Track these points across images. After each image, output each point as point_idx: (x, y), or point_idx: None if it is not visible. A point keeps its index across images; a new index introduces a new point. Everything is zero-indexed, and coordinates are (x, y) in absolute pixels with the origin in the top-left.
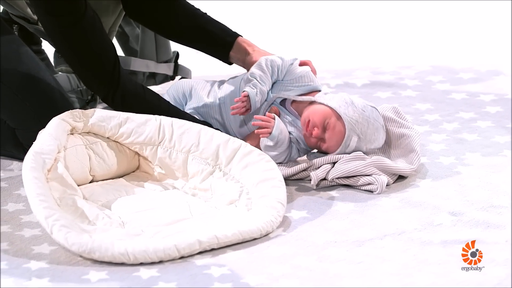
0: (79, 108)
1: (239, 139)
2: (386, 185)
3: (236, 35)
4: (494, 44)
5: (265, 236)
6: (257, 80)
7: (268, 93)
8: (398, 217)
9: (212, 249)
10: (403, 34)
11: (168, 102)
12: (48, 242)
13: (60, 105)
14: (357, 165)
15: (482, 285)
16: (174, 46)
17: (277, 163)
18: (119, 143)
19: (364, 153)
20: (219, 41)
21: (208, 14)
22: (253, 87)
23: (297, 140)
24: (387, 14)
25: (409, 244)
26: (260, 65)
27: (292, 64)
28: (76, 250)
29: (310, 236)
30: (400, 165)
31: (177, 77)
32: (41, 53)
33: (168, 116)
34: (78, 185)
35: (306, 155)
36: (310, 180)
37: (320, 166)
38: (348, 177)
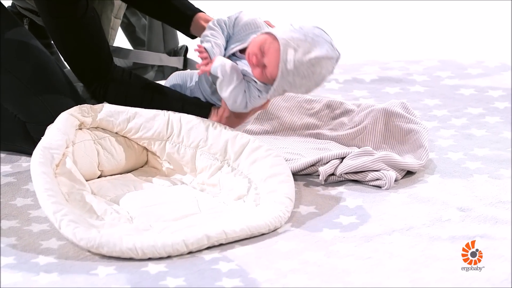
0: (90, 102)
1: (247, 135)
2: (395, 181)
3: (196, 11)
4: (503, 40)
5: (273, 231)
6: (208, 36)
7: (225, 49)
8: (406, 212)
9: (221, 244)
10: (411, 30)
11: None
12: (57, 237)
13: (70, 98)
14: (365, 161)
15: (490, 281)
16: (183, 39)
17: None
18: (127, 138)
19: (316, 82)
20: (179, 16)
21: None
22: (207, 41)
23: (253, 80)
24: (396, 9)
25: (417, 240)
26: (209, 26)
27: (237, 16)
28: (84, 245)
29: (318, 231)
30: (408, 160)
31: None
32: (50, 47)
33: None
34: (87, 180)
35: (316, 150)
36: (319, 175)
37: (329, 162)
38: (356, 173)
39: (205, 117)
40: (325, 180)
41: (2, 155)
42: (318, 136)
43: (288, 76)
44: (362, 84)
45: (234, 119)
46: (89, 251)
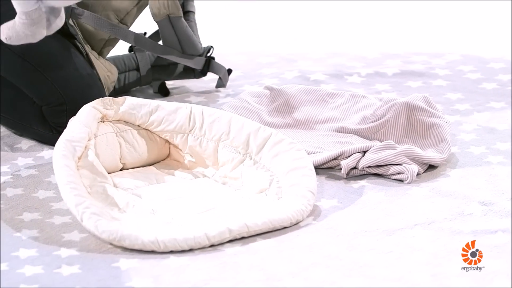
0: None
1: (269, 128)
2: (417, 175)
3: None
4: None
5: (295, 225)
6: None
7: None
8: (428, 206)
9: (242, 238)
10: (433, 23)
11: None
12: (79, 230)
13: (84, 84)
14: (387, 155)
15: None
16: (208, 41)
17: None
18: (149, 131)
19: None
20: None
21: None
22: None
23: None
24: (418, 3)
25: (439, 234)
26: None
27: None
28: (106, 237)
29: (340, 225)
30: (430, 154)
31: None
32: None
33: None
34: (108, 173)
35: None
36: (340, 169)
37: (351, 155)
38: (378, 166)
39: None
40: (347, 174)
41: (24, 147)
42: (340, 130)
43: None
44: (384, 78)
45: None
46: (111, 244)
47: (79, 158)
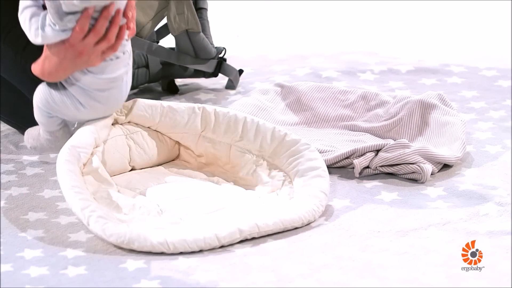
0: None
1: (284, 128)
2: (431, 174)
3: None
4: None
5: (306, 225)
6: None
7: None
8: (443, 206)
9: (253, 238)
10: (448, 19)
11: None
12: (85, 230)
13: None
14: (401, 153)
15: None
16: (218, 37)
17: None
18: (160, 132)
19: None
20: None
21: None
22: None
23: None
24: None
25: (454, 235)
26: None
27: None
28: (114, 241)
29: (352, 225)
30: (445, 153)
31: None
32: None
33: None
34: (116, 174)
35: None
36: (353, 168)
37: (363, 154)
38: (391, 165)
39: None
40: (360, 173)
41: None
42: (352, 128)
43: None
44: (398, 75)
45: (49, 61)
46: (119, 247)
47: (84, 165)
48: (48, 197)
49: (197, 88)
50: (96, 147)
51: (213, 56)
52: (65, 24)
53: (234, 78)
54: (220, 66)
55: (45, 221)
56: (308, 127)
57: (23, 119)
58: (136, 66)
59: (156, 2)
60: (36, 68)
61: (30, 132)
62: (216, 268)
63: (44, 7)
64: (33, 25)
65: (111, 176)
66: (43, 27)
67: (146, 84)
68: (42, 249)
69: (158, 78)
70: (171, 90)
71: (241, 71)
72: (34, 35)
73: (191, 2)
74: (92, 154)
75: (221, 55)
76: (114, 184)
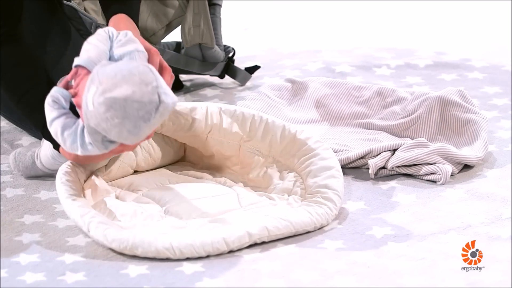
0: None
1: (294, 125)
2: (451, 175)
3: (116, 11)
4: None
5: (319, 229)
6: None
7: None
8: (463, 209)
9: (262, 243)
10: (468, 12)
11: None
12: (84, 234)
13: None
14: (419, 153)
15: None
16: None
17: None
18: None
19: None
20: (105, 11)
21: None
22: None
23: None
24: None
25: (475, 239)
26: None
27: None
28: (116, 246)
29: (367, 229)
30: (465, 153)
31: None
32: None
33: None
34: (119, 178)
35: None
36: (368, 168)
37: (379, 154)
38: (409, 166)
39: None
40: (375, 174)
41: (25, 143)
42: (367, 126)
43: (92, 118)
44: (415, 70)
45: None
46: (121, 254)
47: (85, 181)
48: (45, 199)
49: (203, 84)
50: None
51: (221, 60)
52: (108, 147)
53: (241, 79)
54: (227, 68)
55: (41, 224)
56: (320, 125)
57: (20, 115)
58: None
59: (171, 10)
60: (69, 156)
61: (21, 159)
62: (223, 274)
63: (72, 110)
64: (68, 139)
65: (113, 180)
66: (83, 145)
67: None
68: (38, 254)
69: None
70: (176, 86)
71: (256, 67)
72: (71, 149)
73: (209, 16)
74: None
75: (229, 56)
76: (112, 192)
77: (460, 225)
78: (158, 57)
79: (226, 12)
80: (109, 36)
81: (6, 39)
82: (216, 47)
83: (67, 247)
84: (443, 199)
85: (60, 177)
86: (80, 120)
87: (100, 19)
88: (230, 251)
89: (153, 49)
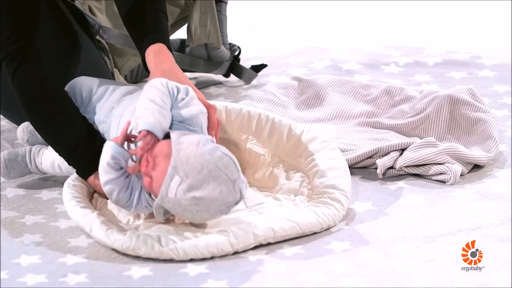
0: None
1: (301, 124)
2: (460, 175)
3: (153, 41)
4: None
5: (326, 230)
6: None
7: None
8: (473, 210)
9: (268, 244)
10: (479, 9)
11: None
12: (86, 235)
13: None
14: (428, 153)
15: None
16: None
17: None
18: None
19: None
20: (140, 40)
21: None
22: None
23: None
24: None
25: (485, 241)
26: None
27: (186, 99)
28: (119, 246)
29: (375, 230)
30: (475, 153)
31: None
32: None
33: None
34: None
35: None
36: (376, 168)
37: (387, 153)
38: (418, 166)
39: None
40: (383, 174)
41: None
42: (375, 125)
43: (169, 202)
44: (424, 68)
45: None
46: (124, 254)
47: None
48: (46, 199)
49: (208, 82)
50: None
51: (226, 59)
52: (166, 216)
53: (246, 78)
54: (232, 67)
55: (43, 225)
56: (327, 124)
57: (20, 114)
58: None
59: (177, 9)
60: (100, 190)
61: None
62: (227, 276)
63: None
64: (123, 199)
65: None
66: (137, 207)
67: None
68: (40, 255)
69: None
70: None
71: (263, 66)
72: (122, 206)
73: (216, 15)
74: None
75: (235, 54)
76: None
77: (470, 226)
78: (215, 114)
79: (231, 9)
80: (169, 92)
81: (24, 56)
82: (222, 47)
83: (69, 248)
84: (453, 200)
85: (68, 182)
86: (136, 182)
87: (103, 18)
88: (235, 253)
89: (212, 106)
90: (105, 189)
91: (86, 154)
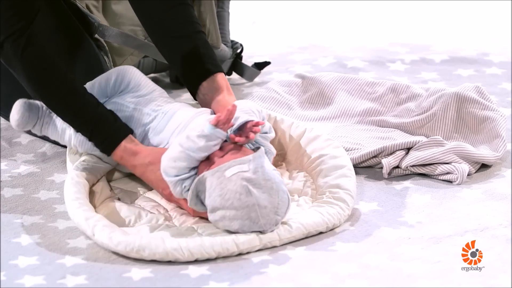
0: None
1: (303, 123)
2: (467, 175)
3: (219, 69)
4: None
5: (331, 230)
6: None
7: None
8: (480, 211)
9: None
10: (486, 6)
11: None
12: (85, 236)
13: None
14: (434, 152)
15: None
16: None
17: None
18: None
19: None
20: (198, 66)
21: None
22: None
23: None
24: None
25: (493, 242)
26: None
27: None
28: (122, 249)
29: (380, 231)
30: (483, 152)
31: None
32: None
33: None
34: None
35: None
36: (381, 167)
37: (393, 152)
38: (424, 165)
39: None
40: (389, 174)
41: (24, 141)
42: (380, 124)
43: (218, 177)
44: (431, 65)
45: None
46: (127, 257)
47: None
48: (45, 199)
49: None
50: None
51: (227, 58)
52: (196, 205)
53: (248, 77)
54: (234, 65)
55: (41, 226)
56: (332, 123)
57: None
58: (142, 55)
59: None
60: (131, 167)
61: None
62: (230, 278)
63: None
64: (174, 170)
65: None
66: (182, 184)
67: (152, 75)
68: (38, 257)
69: (166, 68)
70: (180, 82)
71: (265, 64)
72: (168, 176)
73: (215, 15)
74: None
75: (237, 52)
76: (116, 195)
77: (477, 227)
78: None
79: (233, 5)
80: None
81: (30, 35)
82: (223, 46)
83: (68, 249)
84: (460, 200)
85: (72, 177)
86: (198, 173)
87: (100, 16)
88: (239, 254)
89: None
90: (181, 144)
91: (111, 127)
